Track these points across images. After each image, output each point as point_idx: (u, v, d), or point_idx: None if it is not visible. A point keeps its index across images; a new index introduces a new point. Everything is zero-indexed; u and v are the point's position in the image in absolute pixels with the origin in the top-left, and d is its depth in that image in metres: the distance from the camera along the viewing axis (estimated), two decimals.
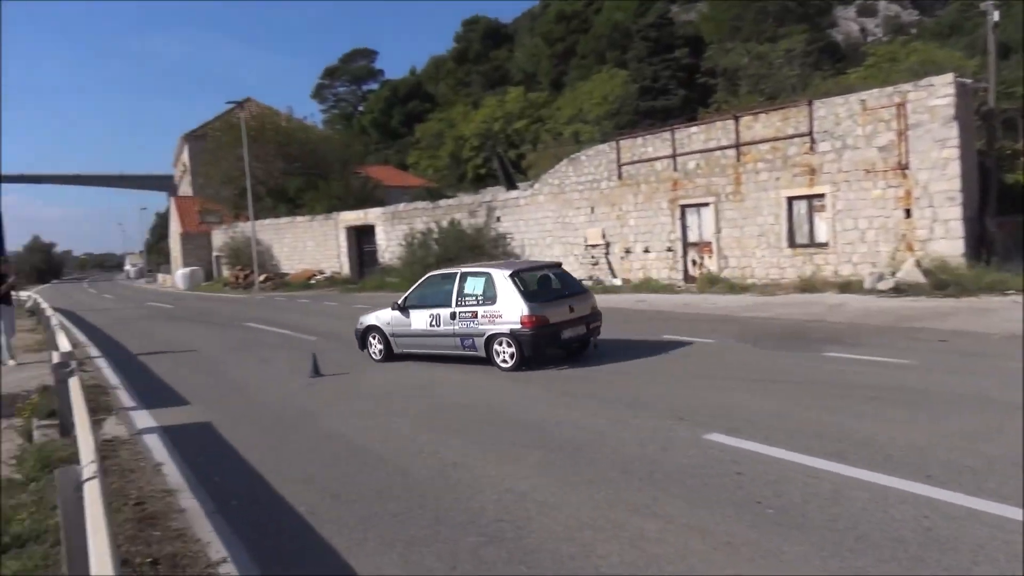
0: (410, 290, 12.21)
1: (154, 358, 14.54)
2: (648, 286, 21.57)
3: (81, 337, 19.10)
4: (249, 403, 9.72)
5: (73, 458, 6.19)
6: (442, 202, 31.70)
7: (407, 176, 61.33)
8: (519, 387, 9.35)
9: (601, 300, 20.06)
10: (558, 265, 12.17)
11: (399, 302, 12.03)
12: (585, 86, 52.39)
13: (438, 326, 11.32)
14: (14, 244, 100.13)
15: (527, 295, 10.59)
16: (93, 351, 16.20)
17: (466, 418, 7.93)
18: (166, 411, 9.47)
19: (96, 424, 7.56)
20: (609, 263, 23.68)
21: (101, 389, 11.20)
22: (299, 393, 10.07)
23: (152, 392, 10.91)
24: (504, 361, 10.60)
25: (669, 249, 22.05)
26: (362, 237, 35.99)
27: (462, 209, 29.17)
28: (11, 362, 14.29)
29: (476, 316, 10.86)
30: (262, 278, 38.54)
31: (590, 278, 23.87)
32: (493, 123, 55.91)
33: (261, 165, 44.35)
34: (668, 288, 20.97)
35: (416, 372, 11.07)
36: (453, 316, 11.13)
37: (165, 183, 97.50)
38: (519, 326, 10.41)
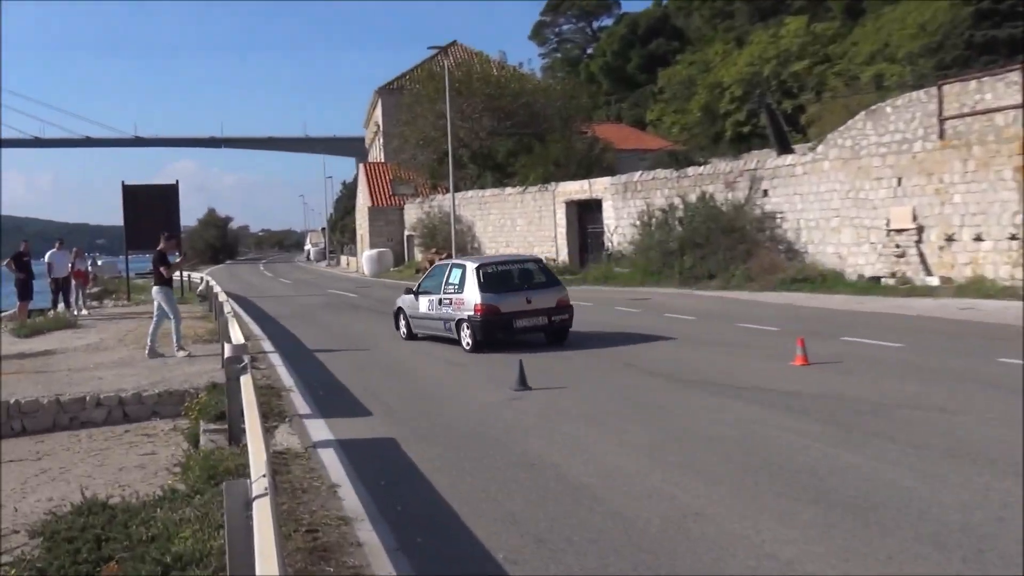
0: (423, 278, 17.06)
1: (334, 356, 15.69)
2: (980, 288, 20.02)
3: (255, 328, 21.04)
4: (440, 417, 10.18)
5: (242, 470, 6.81)
6: (690, 170, 31.34)
7: (645, 137, 61.33)
8: (787, 419, 9.03)
9: (906, 305, 19.16)
10: (537, 260, 17.26)
11: (414, 288, 16.82)
12: (894, 12, 49.47)
13: (433, 310, 15.93)
14: (189, 218, 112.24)
15: (484, 286, 14.70)
16: (267, 345, 17.80)
17: (713, 455, 7.78)
18: (345, 421, 10.18)
19: (267, 432, 8.25)
20: (921, 255, 22.23)
21: (274, 391, 12.27)
22: (500, 408, 10.39)
23: (330, 397, 11.78)
24: (467, 343, 14.86)
25: (1014, 237, 20.29)
26: (585, 214, 36.51)
27: (717, 179, 28.68)
28: (180, 353, 16.05)
29: (452, 303, 15.26)
30: None
31: (892, 275, 22.52)
32: (763, 66, 54.23)
33: (465, 124, 46.32)
34: (1011, 292, 19.32)
35: (647, 391, 11.05)
36: (440, 302, 15.65)
37: (355, 147, 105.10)
38: (473, 313, 14.60)
